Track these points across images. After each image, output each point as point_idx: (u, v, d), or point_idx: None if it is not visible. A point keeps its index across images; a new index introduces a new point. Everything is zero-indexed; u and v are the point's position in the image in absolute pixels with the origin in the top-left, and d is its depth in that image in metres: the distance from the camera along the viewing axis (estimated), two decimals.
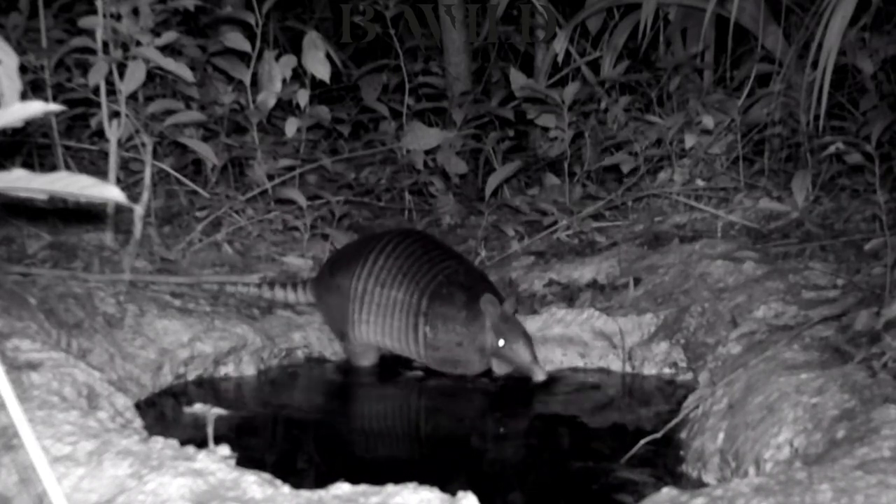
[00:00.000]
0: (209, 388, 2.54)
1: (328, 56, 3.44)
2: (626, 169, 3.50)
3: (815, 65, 2.95)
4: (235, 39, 3.23)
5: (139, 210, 2.84)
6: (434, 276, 2.62)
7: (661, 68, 3.72)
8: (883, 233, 2.63)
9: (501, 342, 2.56)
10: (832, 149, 2.52)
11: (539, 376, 2.54)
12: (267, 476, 1.46)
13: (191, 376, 2.56)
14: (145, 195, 2.93)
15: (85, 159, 3.42)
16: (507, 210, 3.79)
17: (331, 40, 4.05)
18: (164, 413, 2.31)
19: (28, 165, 3.06)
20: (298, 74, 3.46)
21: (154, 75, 3.13)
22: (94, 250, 2.87)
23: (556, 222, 3.52)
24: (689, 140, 3.41)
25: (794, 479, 1.44)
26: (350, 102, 4.39)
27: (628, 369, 2.71)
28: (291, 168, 3.48)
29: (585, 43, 4.26)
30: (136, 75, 2.77)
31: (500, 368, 2.67)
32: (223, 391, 2.53)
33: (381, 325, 2.65)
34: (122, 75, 2.79)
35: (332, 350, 2.85)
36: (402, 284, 2.62)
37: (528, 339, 2.58)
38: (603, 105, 3.75)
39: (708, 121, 3.38)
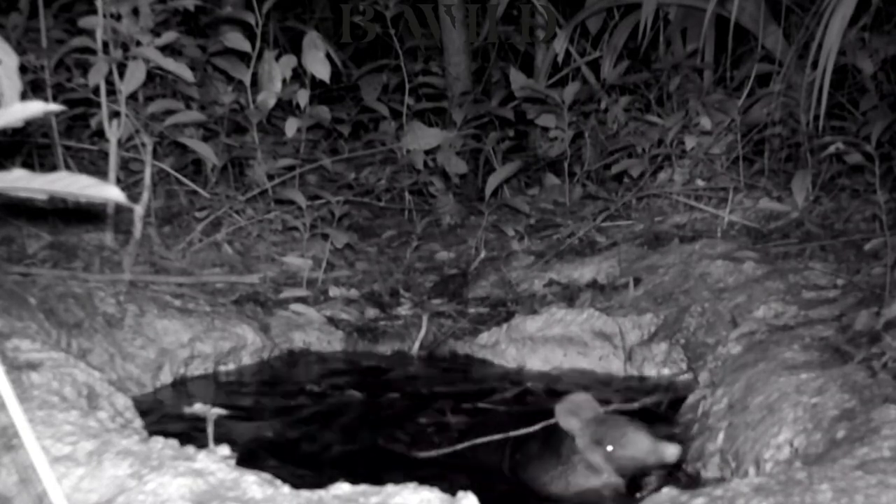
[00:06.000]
0: (209, 389, 2.54)
1: (328, 56, 3.45)
2: (635, 173, 3.49)
3: (815, 65, 2.95)
4: (235, 39, 3.24)
5: (139, 210, 2.84)
6: None
7: (660, 68, 3.72)
8: (883, 233, 2.63)
9: (610, 447, 1.93)
10: (832, 149, 2.52)
11: (670, 457, 1.89)
12: (267, 476, 1.45)
13: (191, 376, 2.56)
14: (145, 195, 2.93)
15: (85, 159, 3.42)
16: (507, 210, 3.79)
17: (331, 40, 4.05)
18: (164, 413, 2.31)
19: (28, 165, 3.06)
20: (298, 74, 3.46)
21: (154, 75, 3.13)
22: (94, 250, 2.87)
23: (558, 226, 3.52)
24: (690, 141, 3.41)
25: (794, 479, 1.44)
26: (350, 102, 4.39)
27: (628, 369, 2.70)
28: (291, 168, 3.48)
29: (585, 43, 4.27)
30: (136, 75, 2.77)
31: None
32: (223, 391, 2.53)
33: None
34: (122, 75, 2.79)
35: (332, 350, 2.85)
36: None
37: (635, 424, 1.97)
38: (603, 105, 3.75)
39: (706, 122, 3.38)
